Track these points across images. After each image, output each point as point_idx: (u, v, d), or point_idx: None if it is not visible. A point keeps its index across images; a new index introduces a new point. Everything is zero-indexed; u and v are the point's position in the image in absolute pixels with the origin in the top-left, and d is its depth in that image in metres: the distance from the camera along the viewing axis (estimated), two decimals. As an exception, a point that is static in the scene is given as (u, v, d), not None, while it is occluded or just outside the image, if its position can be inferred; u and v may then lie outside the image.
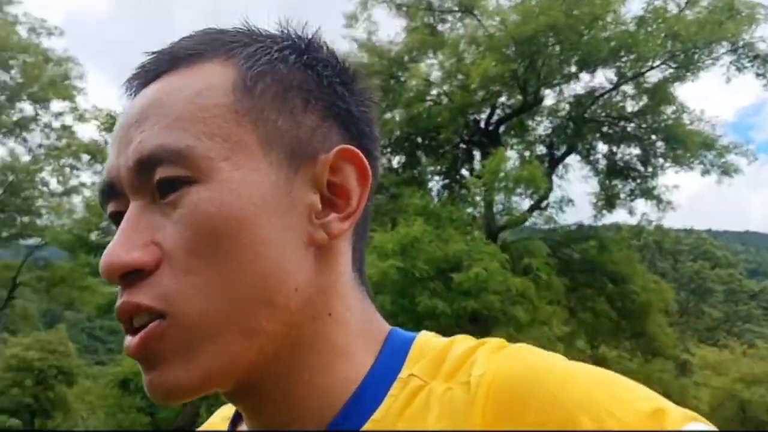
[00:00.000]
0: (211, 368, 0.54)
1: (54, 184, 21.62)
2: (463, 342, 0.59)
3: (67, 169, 21.49)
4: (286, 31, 0.64)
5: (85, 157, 20.39)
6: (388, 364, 0.59)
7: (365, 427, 0.55)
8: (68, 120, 21.52)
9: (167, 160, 0.55)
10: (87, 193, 21.25)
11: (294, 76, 0.61)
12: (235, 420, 0.68)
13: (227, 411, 0.71)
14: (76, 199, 21.65)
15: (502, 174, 12.88)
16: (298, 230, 0.58)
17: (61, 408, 32.07)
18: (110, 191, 0.59)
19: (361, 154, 0.61)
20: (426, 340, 0.61)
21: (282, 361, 0.57)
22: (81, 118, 21.15)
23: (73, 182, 21.50)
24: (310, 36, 0.64)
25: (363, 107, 0.64)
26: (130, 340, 0.55)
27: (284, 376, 0.58)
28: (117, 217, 0.59)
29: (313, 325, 0.58)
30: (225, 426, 0.68)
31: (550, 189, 14.78)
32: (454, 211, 13.60)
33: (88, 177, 22.23)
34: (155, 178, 0.55)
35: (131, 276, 0.54)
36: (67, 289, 21.24)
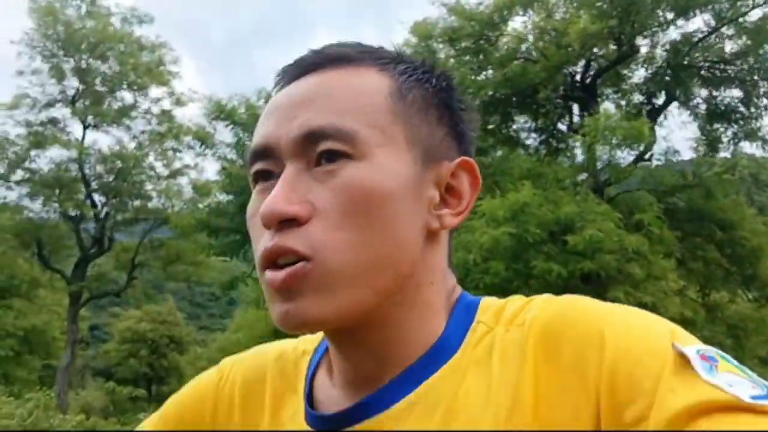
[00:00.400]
0: (341, 308, 0.65)
1: (160, 168, 22.39)
2: (518, 299, 0.72)
3: (170, 153, 22.22)
4: (425, 60, 0.77)
5: (187, 140, 20.99)
6: (463, 317, 0.72)
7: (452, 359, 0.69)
8: (166, 104, 22.20)
9: (333, 137, 0.66)
10: (193, 174, 21.98)
11: (433, 95, 0.74)
12: (315, 368, 0.80)
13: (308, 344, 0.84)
14: (183, 180, 22.38)
15: (606, 131, 12.74)
16: (420, 216, 0.70)
17: (175, 375, 33.64)
18: (263, 152, 0.70)
19: (476, 166, 0.74)
20: (490, 299, 0.75)
21: (385, 315, 0.69)
22: (178, 102, 21.84)
23: (177, 165, 22.24)
24: (443, 69, 0.78)
25: (473, 131, 0.78)
26: (274, 274, 0.65)
27: (385, 326, 0.70)
28: (261, 174, 0.71)
29: (417, 290, 0.71)
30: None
31: (653, 141, 14.57)
32: (559, 170, 13.62)
33: (191, 159, 22.95)
34: (318, 148, 0.66)
35: (285, 224, 0.65)
36: (183, 266, 22.31)
